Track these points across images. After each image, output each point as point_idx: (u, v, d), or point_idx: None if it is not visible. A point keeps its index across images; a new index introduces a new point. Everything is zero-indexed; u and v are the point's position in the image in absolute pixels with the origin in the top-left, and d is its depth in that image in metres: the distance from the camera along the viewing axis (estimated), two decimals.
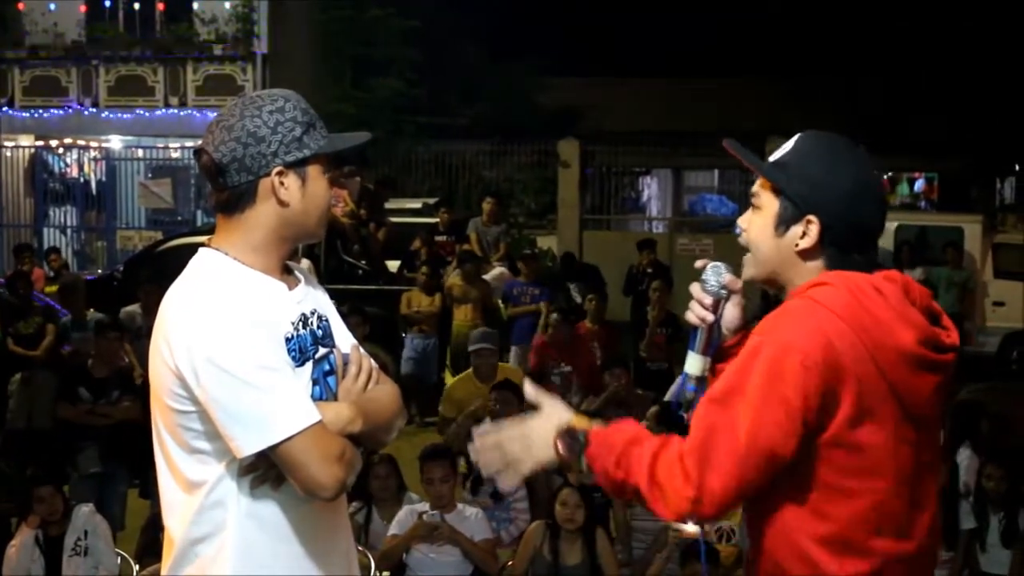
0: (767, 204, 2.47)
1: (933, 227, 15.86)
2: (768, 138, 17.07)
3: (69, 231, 19.53)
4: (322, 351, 2.59)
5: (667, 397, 2.69)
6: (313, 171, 2.55)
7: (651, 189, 27.86)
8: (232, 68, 18.87)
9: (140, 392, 7.68)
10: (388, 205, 14.52)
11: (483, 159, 20.05)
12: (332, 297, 2.76)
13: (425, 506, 6.18)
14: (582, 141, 18.80)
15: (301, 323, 2.55)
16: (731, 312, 2.59)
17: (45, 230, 19.27)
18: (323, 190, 2.58)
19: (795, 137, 2.51)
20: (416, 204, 15.77)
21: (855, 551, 2.31)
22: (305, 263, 10.86)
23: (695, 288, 2.59)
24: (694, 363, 2.56)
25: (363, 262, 12.75)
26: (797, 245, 2.42)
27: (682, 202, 27.54)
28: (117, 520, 7.50)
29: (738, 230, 2.57)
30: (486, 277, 12.19)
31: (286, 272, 2.62)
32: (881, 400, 2.30)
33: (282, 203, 2.51)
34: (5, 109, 19.30)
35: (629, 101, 25.49)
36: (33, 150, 19.42)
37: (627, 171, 23.34)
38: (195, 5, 19.22)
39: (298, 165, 2.51)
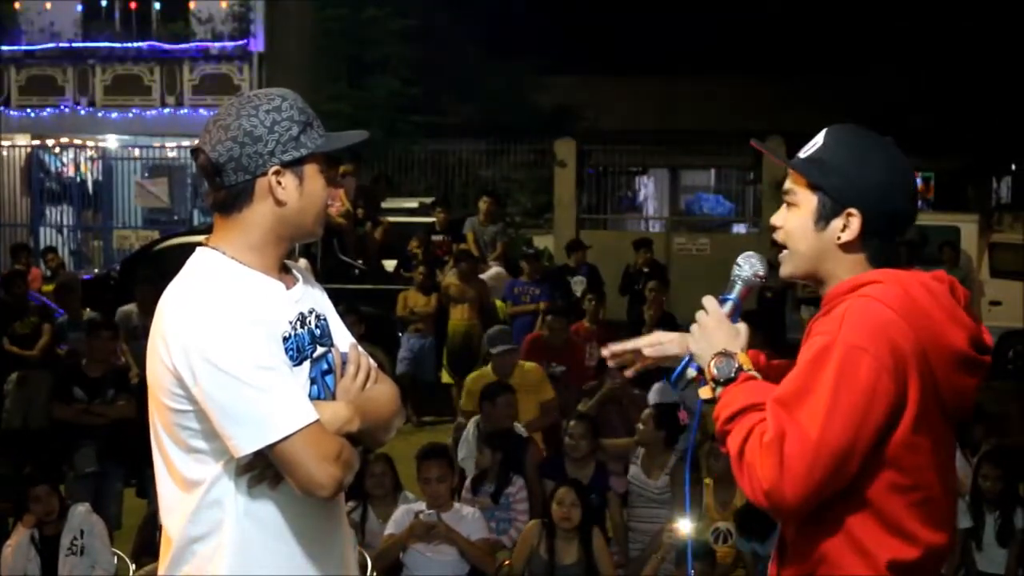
0: (804, 200, 2.48)
1: (929, 226, 15.85)
2: (767, 138, 17.12)
3: (66, 230, 19.51)
4: (320, 350, 2.59)
5: (674, 375, 2.68)
6: (310, 170, 2.55)
7: (648, 188, 27.89)
8: (228, 67, 18.87)
9: (135, 391, 7.68)
10: (384, 204, 14.51)
11: (480, 158, 20.04)
12: (329, 297, 2.76)
13: (422, 505, 6.17)
14: (579, 140, 18.80)
15: (299, 322, 2.55)
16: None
17: (41, 229, 19.24)
18: (320, 189, 2.58)
19: (823, 132, 2.53)
20: (412, 203, 15.76)
21: (908, 540, 2.35)
22: (302, 263, 10.86)
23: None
24: None
25: (359, 261, 12.75)
26: (839, 238, 2.44)
27: (679, 201, 27.55)
28: (113, 519, 7.50)
29: (774, 231, 2.58)
30: (483, 276, 12.18)
31: (284, 271, 2.62)
32: (929, 398, 2.34)
33: (279, 202, 2.51)
34: (1, 108, 19.28)
35: (626, 100, 25.51)
36: (29, 149, 19.40)
37: (624, 170, 23.36)
38: (191, 4, 19.22)
39: (295, 164, 2.51)
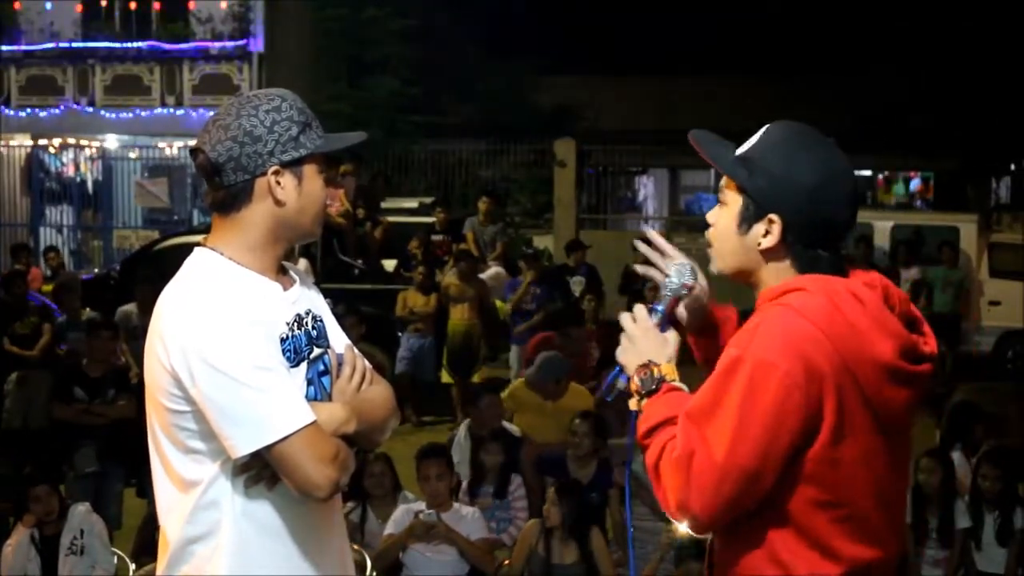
0: (731, 201, 2.39)
1: (929, 226, 15.87)
2: None
3: (65, 230, 19.51)
4: (317, 351, 2.59)
5: (602, 388, 2.63)
6: (309, 170, 2.55)
7: (647, 188, 27.91)
8: (228, 67, 18.87)
9: (136, 391, 7.67)
10: (384, 204, 14.51)
11: (479, 158, 20.05)
12: (329, 297, 2.76)
13: (421, 505, 6.18)
14: (579, 140, 18.81)
15: (296, 323, 2.55)
16: (680, 313, 2.58)
17: (41, 229, 19.24)
18: (319, 189, 2.58)
19: (762, 129, 2.42)
20: (412, 203, 15.75)
21: (829, 556, 2.27)
22: (302, 263, 10.85)
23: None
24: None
25: (359, 261, 12.75)
26: (759, 244, 2.34)
27: (678, 201, 27.59)
28: (113, 519, 7.50)
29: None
30: (483, 276, 12.19)
31: (281, 272, 2.62)
32: (856, 412, 2.24)
33: (278, 202, 2.51)
34: (1, 108, 19.28)
35: (626, 100, 25.52)
36: (29, 149, 19.40)
37: (624, 170, 23.38)
38: (191, 5, 19.22)
39: (294, 164, 2.51)
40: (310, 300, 2.66)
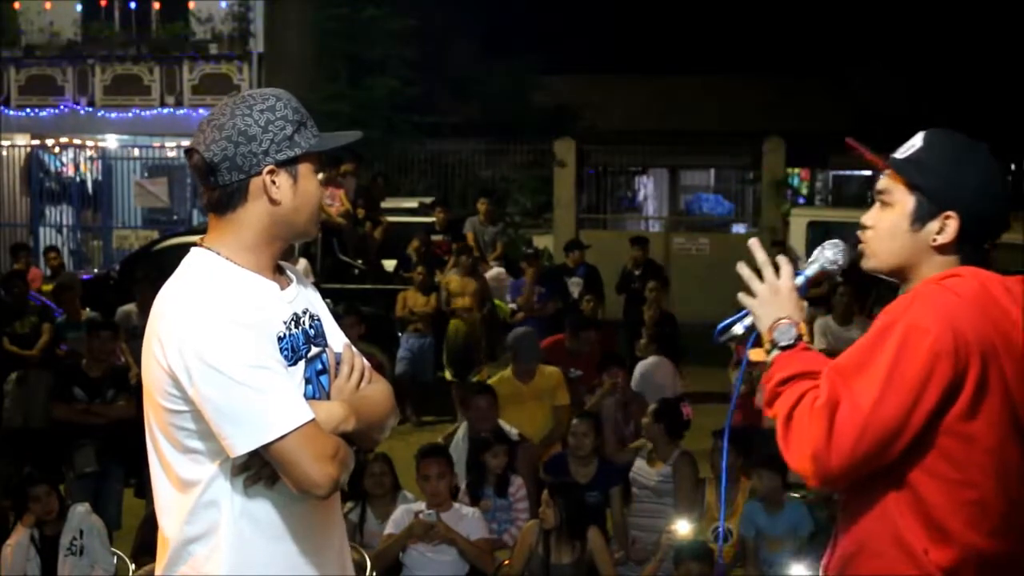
0: (900, 200, 2.49)
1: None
2: (767, 138, 17.12)
3: (65, 230, 19.51)
4: (314, 350, 2.59)
5: (721, 325, 2.68)
6: (304, 169, 2.54)
7: (647, 188, 27.89)
8: (228, 67, 18.88)
9: (135, 391, 7.67)
10: (384, 204, 14.51)
11: (479, 158, 20.04)
12: (328, 296, 2.76)
13: (421, 505, 6.18)
14: (578, 140, 18.80)
15: (293, 322, 2.56)
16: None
17: (41, 229, 19.25)
18: (314, 188, 2.58)
19: (921, 134, 2.53)
20: (412, 203, 15.75)
21: (949, 540, 2.32)
22: (302, 263, 10.86)
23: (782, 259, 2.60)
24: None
25: (359, 261, 12.75)
26: (935, 240, 2.45)
27: (678, 201, 27.57)
28: (113, 519, 7.50)
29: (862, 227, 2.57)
30: (484, 276, 12.21)
31: (278, 272, 2.62)
32: (996, 393, 2.33)
33: (274, 202, 2.51)
34: (1, 108, 19.28)
35: (626, 100, 25.49)
36: (29, 149, 19.41)
37: (623, 170, 23.37)
38: (191, 4, 19.22)
39: (289, 164, 2.51)
40: (307, 299, 2.66)
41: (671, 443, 6.93)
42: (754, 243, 2.62)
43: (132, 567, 6.29)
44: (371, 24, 20.29)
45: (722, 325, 2.64)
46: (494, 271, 12.87)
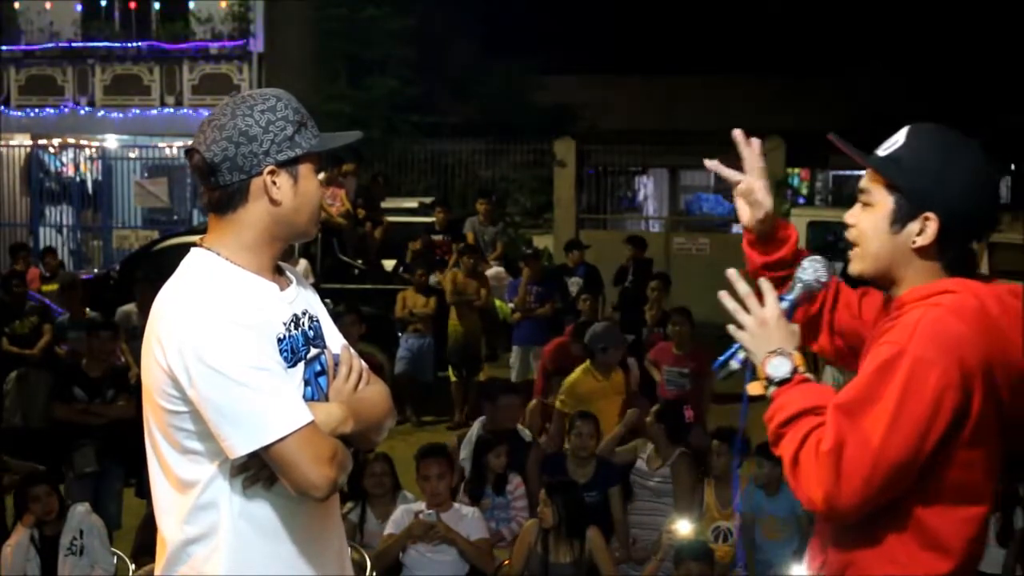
0: (880, 200, 2.41)
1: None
2: (766, 138, 17.11)
3: (65, 230, 19.52)
4: (313, 352, 2.59)
5: (717, 362, 2.63)
6: (305, 170, 2.54)
7: (647, 188, 27.89)
8: (228, 67, 18.88)
9: (135, 391, 7.67)
10: (384, 204, 14.52)
11: (479, 158, 20.05)
12: (329, 297, 2.76)
13: (421, 505, 6.18)
14: (578, 140, 18.80)
15: (293, 324, 2.55)
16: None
17: (41, 229, 19.25)
18: (315, 188, 2.58)
19: (905, 130, 2.45)
20: (412, 203, 15.76)
21: (948, 555, 2.30)
22: (302, 264, 10.87)
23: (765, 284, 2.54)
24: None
25: (359, 261, 12.75)
26: (914, 242, 2.36)
27: (679, 201, 27.57)
28: (113, 519, 7.50)
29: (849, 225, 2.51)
30: (485, 274, 12.22)
31: (278, 272, 2.62)
32: (993, 415, 2.28)
33: (274, 202, 2.51)
34: (1, 108, 19.28)
35: (626, 100, 25.49)
36: (29, 149, 19.41)
37: (624, 170, 23.36)
38: (191, 4, 19.23)
39: (290, 164, 2.51)
40: (307, 300, 2.66)
41: (670, 444, 6.93)
42: (732, 273, 2.52)
43: (132, 567, 6.29)
44: (371, 24, 20.30)
45: (719, 361, 2.55)
46: (495, 270, 12.88)
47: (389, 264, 13.26)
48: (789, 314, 2.52)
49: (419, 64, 20.93)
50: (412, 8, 20.74)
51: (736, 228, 21.81)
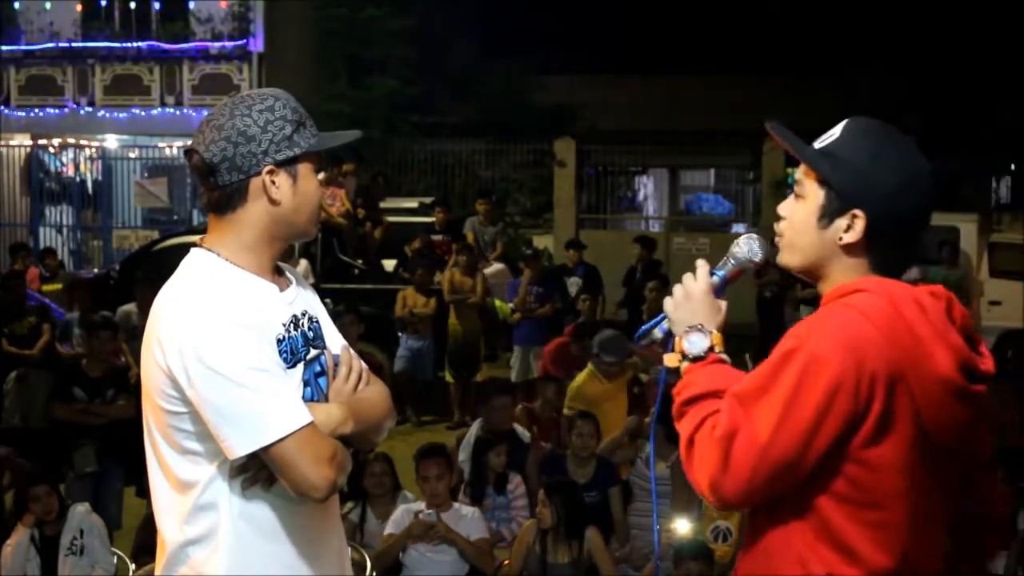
0: (811, 194, 2.37)
1: (929, 226, 15.85)
2: (766, 137, 17.10)
3: (65, 230, 19.51)
4: (313, 352, 2.59)
5: (641, 329, 2.63)
6: (304, 169, 2.54)
7: (647, 188, 27.86)
8: (228, 67, 18.87)
9: (135, 391, 7.65)
10: (384, 204, 14.52)
11: (479, 158, 20.06)
12: (328, 296, 2.76)
13: (421, 505, 6.18)
14: (578, 140, 18.80)
15: (292, 324, 2.56)
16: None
17: (41, 229, 19.25)
18: (314, 188, 2.58)
19: (842, 124, 2.41)
20: (412, 203, 15.76)
21: (857, 562, 2.24)
22: (302, 264, 10.87)
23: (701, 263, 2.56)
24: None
25: (359, 261, 12.75)
26: (841, 239, 2.33)
27: (678, 201, 27.54)
28: (113, 519, 7.50)
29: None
30: (486, 272, 12.22)
31: (277, 273, 2.62)
32: (902, 419, 2.22)
33: (273, 202, 2.51)
34: (1, 108, 19.28)
35: (626, 100, 25.48)
36: (29, 149, 19.40)
37: (623, 170, 23.36)
38: (191, 4, 19.22)
39: (289, 164, 2.51)
40: (306, 301, 2.66)
41: (669, 443, 6.93)
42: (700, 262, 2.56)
43: (132, 567, 6.29)
44: (371, 24, 20.29)
45: (643, 329, 2.55)
46: (495, 267, 12.89)
47: (389, 264, 13.26)
48: (719, 289, 2.52)
49: (419, 64, 20.92)
50: (412, 8, 20.73)
51: (736, 228, 21.84)
